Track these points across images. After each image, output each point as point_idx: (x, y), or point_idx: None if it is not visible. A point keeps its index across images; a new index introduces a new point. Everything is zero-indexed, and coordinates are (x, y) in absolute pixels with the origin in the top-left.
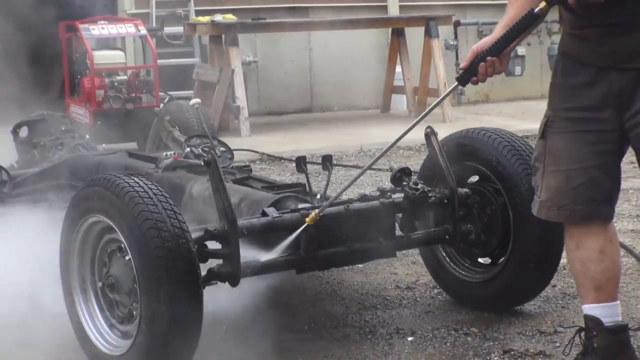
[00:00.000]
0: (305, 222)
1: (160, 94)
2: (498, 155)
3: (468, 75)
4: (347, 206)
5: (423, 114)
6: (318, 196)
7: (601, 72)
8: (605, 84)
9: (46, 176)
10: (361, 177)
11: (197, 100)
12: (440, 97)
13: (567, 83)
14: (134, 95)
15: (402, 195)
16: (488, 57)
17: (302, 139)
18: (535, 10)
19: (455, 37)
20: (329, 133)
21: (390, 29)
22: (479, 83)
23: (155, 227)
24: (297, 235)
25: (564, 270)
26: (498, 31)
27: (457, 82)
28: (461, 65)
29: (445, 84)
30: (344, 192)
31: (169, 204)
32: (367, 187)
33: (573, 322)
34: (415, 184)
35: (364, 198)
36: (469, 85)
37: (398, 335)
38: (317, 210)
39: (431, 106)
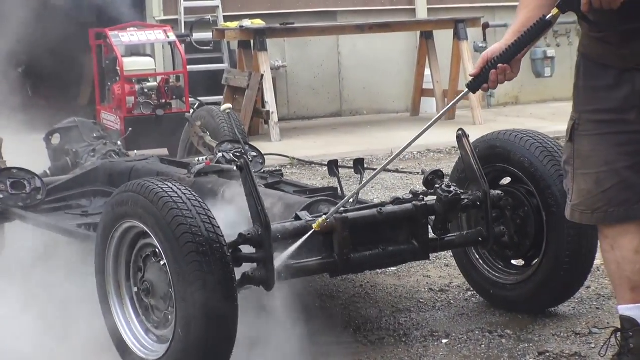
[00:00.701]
0: (312, 229)
1: (190, 99)
2: (530, 157)
3: (479, 82)
4: (380, 209)
5: (434, 119)
6: (351, 200)
7: (624, 74)
8: (629, 85)
9: (79, 183)
10: (393, 181)
11: (229, 105)
12: (450, 104)
13: (590, 85)
14: (164, 101)
15: (435, 197)
16: (499, 65)
17: (332, 143)
18: (547, 17)
19: (484, 39)
20: (358, 137)
21: (418, 32)
22: (489, 90)
23: (189, 232)
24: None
25: (598, 272)
26: (508, 37)
27: (467, 89)
28: (471, 72)
29: None
30: (375, 196)
31: (202, 209)
32: (399, 190)
33: (608, 323)
34: (448, 186)
35: (396, 201)
36: (499, 87)
37: (432, 337)
38: (324, 217)
39: (441, 112)
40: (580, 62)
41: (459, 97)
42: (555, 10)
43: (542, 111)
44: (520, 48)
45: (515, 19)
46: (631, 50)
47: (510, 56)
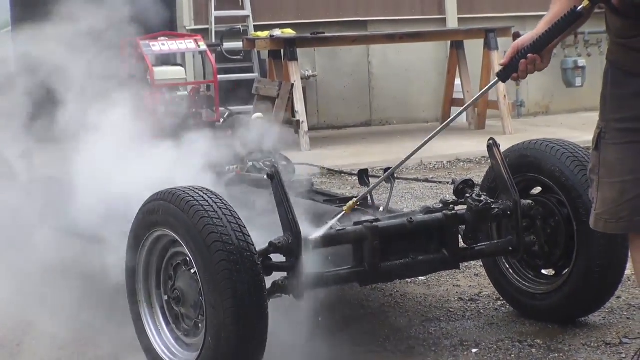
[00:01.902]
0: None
1: (220, 109)
2: (561, 167)
3: (508, 71)
4: (411, 219)
5: (459, 111)
6: (381, 209)
7: None
8: None
9: None
10: (423, 190)
11: (260, 114)
12: (479, 94)
13: (616, 93)
14: (194, 110)
15: (465, 207)
16: (529, 55)
17: (362, 152)
18: (578, 8)
19: None
20: (388, 146)
21: (449, 42)
22: (519, 80)
23: (220, 241)
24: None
25: (629, 282)
26: (540, 27)
27: (497, 78)
28: (501, 61)
29: (505, 96)
30: (405, 206)
31: (233, 217)
32: (429, 200)
33: (639, 333)
34: (479, 195)
35: (426, 210)
36: (529, 97)
37: (462, 347)
38: (354, 200)
39: (469, 102)
40: (608, 70)
41: (489, 85)
42: (586, 2)
43: (572, 121)
44: (550, 39)
45: (549, 10)
46: None
47: (541, 46)
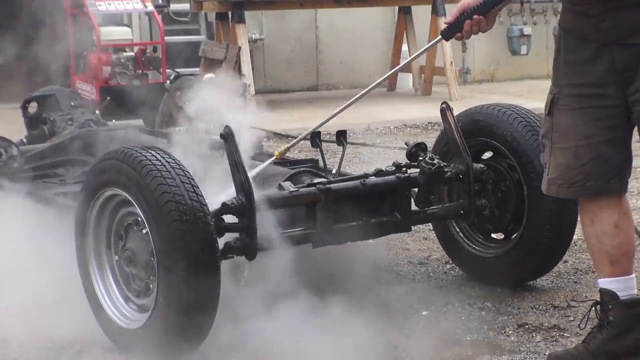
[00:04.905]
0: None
1: (167, 70)
2: (513, 131)
3: (453, 30)
4: (363, 181)
5: (397, 67)
6: (333, 171)
7: (603, 48)
8: (608, 59)
9: (57, 151)
10: (371, 155)
11: (211, 74)
12: (422, 49)
13: (570, 59)
14: (140, 71)
15: (418, 170)
16: (475, 16)
17: (308, 116)
18: None
19: None
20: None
21: (396, 8)
22: (463, 40)
23: (173, 200)
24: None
25: (575, 246)
26: None
27: (440, 36)
28: (446, 20)
29: (451, 62)
30: (353, 170)
31: (186, 177)
32: (377, 165)
33: (586, 296)
34: (431, 159)
35: (379, 173)
36: (475, 64)
37: (412, 310)
38: (287, 146)
39: (410, 58)
40: (561, 36)
41: (431, 42)
42: None
43: (517, 88)
44: (497, 1)
45: None
46: (611, 23)
47: (487, 8)
